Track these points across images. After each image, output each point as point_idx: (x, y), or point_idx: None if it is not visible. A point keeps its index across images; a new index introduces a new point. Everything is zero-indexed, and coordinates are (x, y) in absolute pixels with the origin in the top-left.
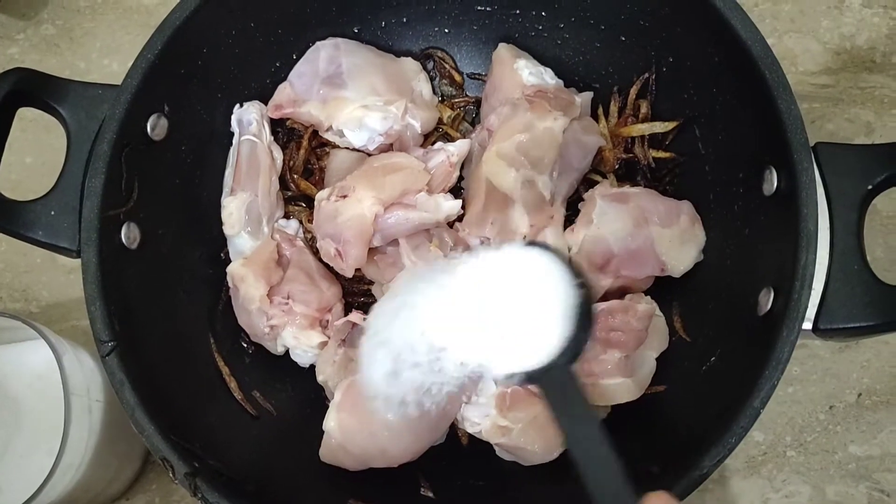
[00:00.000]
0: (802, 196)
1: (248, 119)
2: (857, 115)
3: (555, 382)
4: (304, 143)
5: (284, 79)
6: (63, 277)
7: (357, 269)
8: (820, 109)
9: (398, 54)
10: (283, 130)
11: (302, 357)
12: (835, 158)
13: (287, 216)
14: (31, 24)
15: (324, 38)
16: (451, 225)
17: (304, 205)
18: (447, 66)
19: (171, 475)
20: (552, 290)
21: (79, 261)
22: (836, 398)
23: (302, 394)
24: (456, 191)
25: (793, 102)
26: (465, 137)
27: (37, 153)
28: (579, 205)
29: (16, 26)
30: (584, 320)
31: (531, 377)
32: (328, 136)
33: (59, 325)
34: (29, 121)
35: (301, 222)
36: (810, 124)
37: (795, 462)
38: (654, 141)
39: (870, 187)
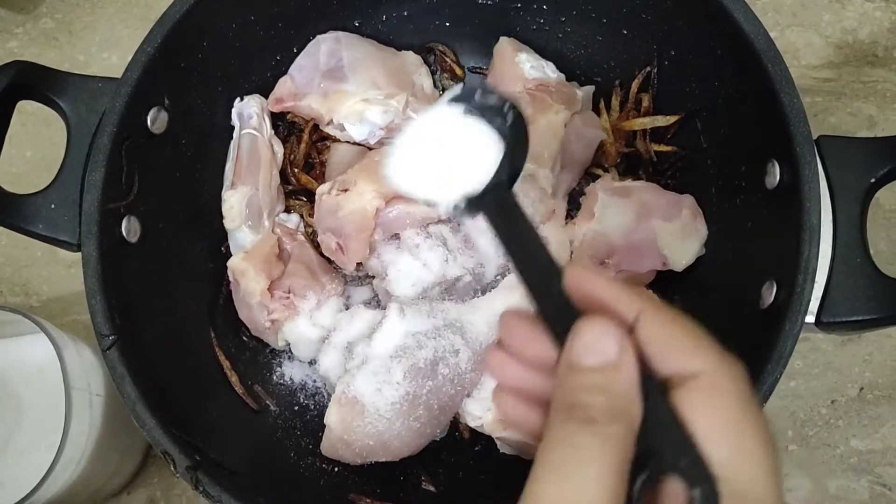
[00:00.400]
0: (805, 189)
1: (249, 113)
2: (860, 109)
3: (496, 205)
4: (305, 136)
5: (285, 72)
6: (63, 271)
7: (358, 264)
8: (822, 103)
9: (399, 48)
10: (284, 124)
11: (303, 352)
12: (838, 151)
13: (288, 210)
14: (30, 18)
15: (324, 32)
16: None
17: (304, 199)
18: (448, 59)
19: (172, 469)
20: (481, 123)
21: (79, 255)
22: (838, 392)
23: (303, 387)
24: None
25: (796, 96)
26: None
27: (37, 147)
28: (581, 199)
29: (15, 20)
30: (517, 140)
31: (473, 204)
32: (329, 130)
33: (59, 320)
34: (29, 114)
35: (302, 216)
36: (813, 118)
37: (797, 456)
38: (656, 135)
39: (873, 180)
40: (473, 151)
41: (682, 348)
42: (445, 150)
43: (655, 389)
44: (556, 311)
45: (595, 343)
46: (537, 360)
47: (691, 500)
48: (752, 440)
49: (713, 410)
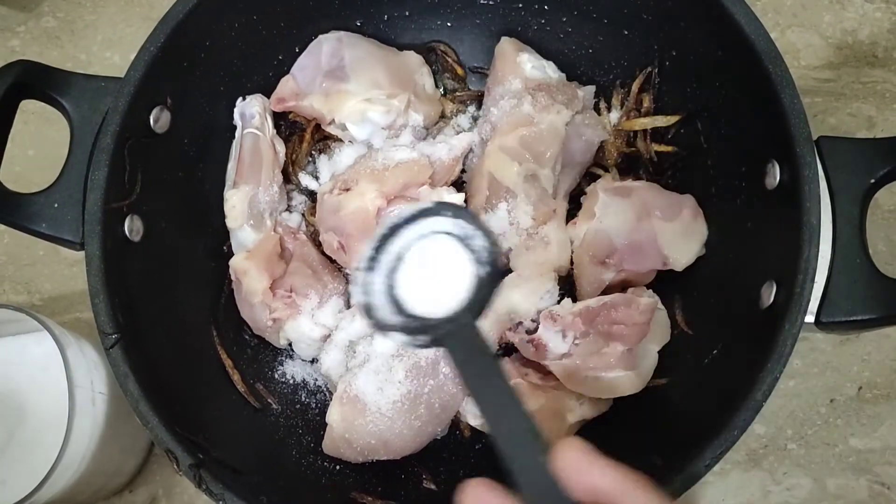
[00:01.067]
0: (805, 190)
1: (251, 112)
2: (859, 110)
3: (461, 340)
4: (307, 136)
5: (287, 72)
6: (66, 270)
7: None
8: (822, 104)
9: (400, 48)
10: (286, 123)
11: (305, 350)
12: (837, 152)
13: (289, 209)
14: (32, 17)
15: (326, 31)
16: None
17: (306, 197)
18: (449, 59)
19: (175, 467)
20: (456, 250)
21: (81, 253)
22: (837, 391)
23: (305, 386)
24: (458, 184)
25: (796, 97)
26: (467, 131)
27: (39, 145)
28: (581, 198)
29: (16, 18)
30: (490, 277)
31: (435, 335)
32: (331, 130)
33: (62, 317)
34: (31, 113)
35: (303, 215)
36: (812, 118)
37: (796, 455)
38: (657, 135)
39: (872, 181)
40: (442, 281)
41: None
42: (414, 269)
43: None
44: (540, 493)
45: None
46: None
47: None
48: None
49: None
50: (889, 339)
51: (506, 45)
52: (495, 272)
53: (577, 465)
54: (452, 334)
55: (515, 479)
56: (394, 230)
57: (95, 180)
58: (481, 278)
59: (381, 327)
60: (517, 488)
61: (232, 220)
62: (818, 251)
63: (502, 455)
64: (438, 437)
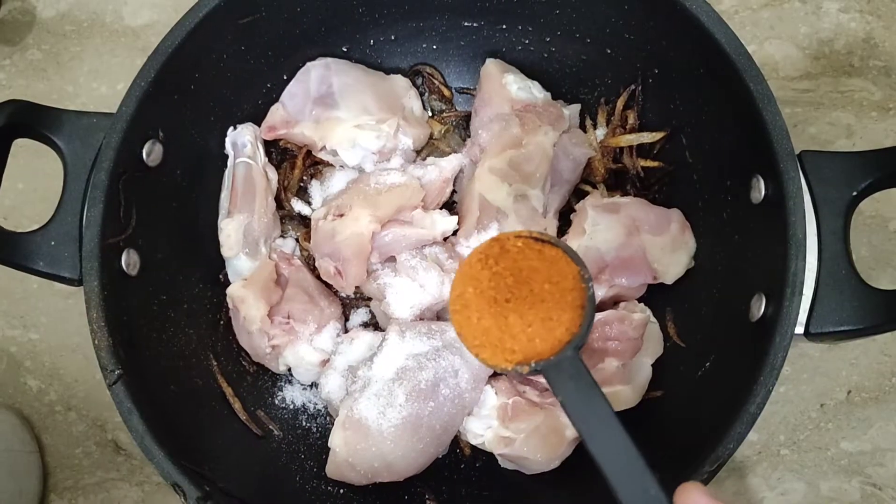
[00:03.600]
0: (790, 205)
1: (243, 141)
2: (838, 119)
3: (563, 374)
4: (299, 162)
5: (276, 99)
6: (61, 302)
7: (356, 287)
8: (802, 114)
9: (387, 71)
10: (277, 150)
11: (304, 375)
12: (820, 166)
13: (283, 235)
14: (17, 50)
15: (314, 59)
16: (445, 239)
17: (298, 223)
18: (436, 81)
19: (182, 500)
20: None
21: (76, 287)
22: (827, 396)
23: (305, 410)
24: (449, 205)
25: (777, 113)
26: (456, 152)
27: (28, 179)
28: (571, 216)
29: (1, 52)
30: (588, 309)
31: (538, 367)
32: (322, 156)
33: (59, 351)
34: (19, 146)
35: (297, 240)
36: (792, 128)
37: (789, 460)
38: (642, 151)
39: (855, 193)
40: None
41: None
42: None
43: None
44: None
45: None
46: None
47: None
48: None
49: None
50: (876, 343)
51: (491, 66)
52: (591, 301)
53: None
54: (554, 365)
55: None
56: None
57: (91, 217)
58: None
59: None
60: None
61: (227, 249)
62: (805, 265)
63: (610, 484)
64: (440, 457)
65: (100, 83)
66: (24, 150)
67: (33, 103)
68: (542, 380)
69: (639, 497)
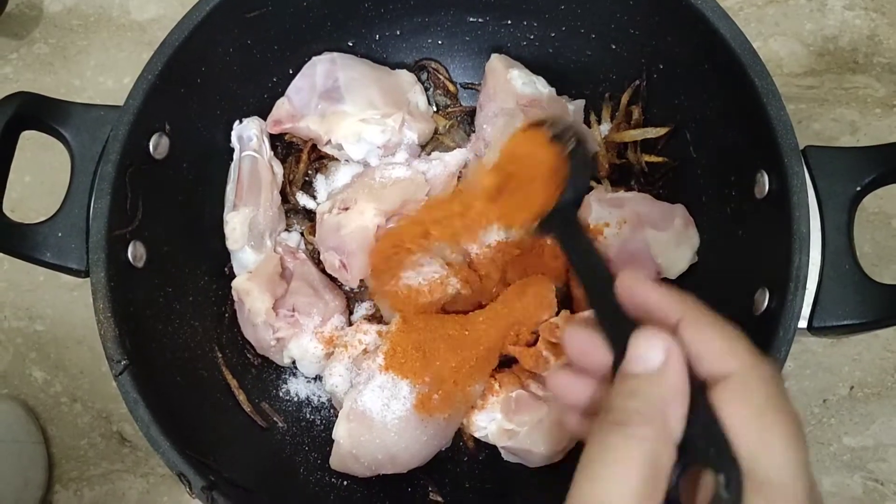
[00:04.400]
0: (794, 199)
1: (249, 135)
2: (842, 115)
3: (563, 224)
4: (304, 156)
5: (282, 94)
6: (67, 294)
7: (360, 280)
8: (806, 110)
9: (393, 66)
10: (282, 144)
11: (308, 368)
12: (824, 161)
13: (288, 229)
14: (24, 44)
15: (319, 53)
16: None
17: (304, 216)
18: (441, 76)
19: (187, 490)
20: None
21: (82, 279)
22: (830, 391)
23: (309, 403)
24: None
25: (782, 108)
26: (460, 147)
27: (35, 172)
28: None
29: (8, 45)
30: (580, 163)
31: (544, 223)
32: (327, 150)
33: (65, 343)
34: (26, 139)
35: (302, 234)
36: (797, 124)
37: None
38: (647, 146)
39: (858, 188)
40: None
41: (717, 351)
42: None
43: (696, 389)
44: (613, 320)
45: (644, 352)
46: (596, 370)
47: (717, 486)
48: (776, 434)
49: (741, 407)
50: (878, 338)
51: (496, 61)
52: (583, 158)
53: (629, 286)
54: (557, 220)
55: (596, 313)
56: None
57: (98, 209)
58: (573, 169)
59: None
60: (598, 321)
61: (233, 242)
62: (808, 259)
63: (588, 299)
64: (443, 450)
65: (106, 77)
66: (31, 142)
67: (41, 95)
68: (546, 374)
69: (603, 298)
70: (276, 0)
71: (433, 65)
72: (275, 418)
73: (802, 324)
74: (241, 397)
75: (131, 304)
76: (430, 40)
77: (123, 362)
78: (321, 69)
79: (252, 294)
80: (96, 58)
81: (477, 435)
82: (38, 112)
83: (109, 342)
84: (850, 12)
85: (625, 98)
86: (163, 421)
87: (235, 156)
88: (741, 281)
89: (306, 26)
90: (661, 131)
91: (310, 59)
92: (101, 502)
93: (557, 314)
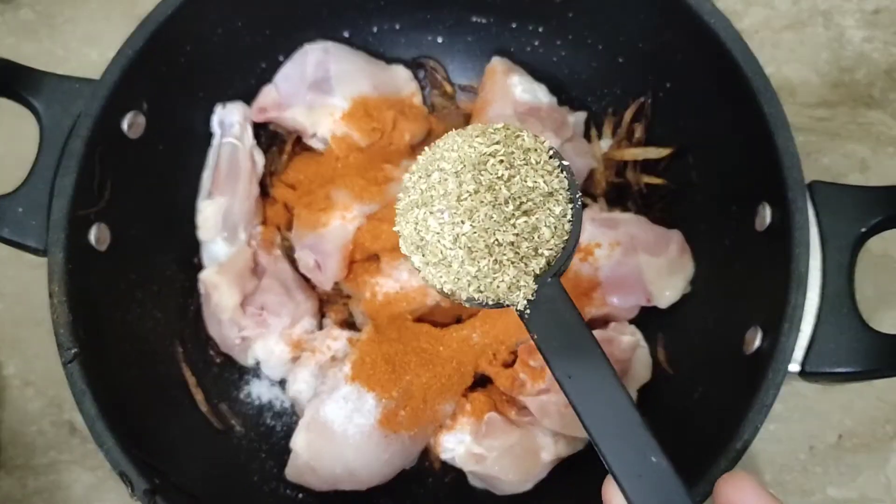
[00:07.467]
0: (795, 236)
1: (230, 121)
2: (854, 151)
3: (539, 307)
4: (287, 148)
5: (270, 80)
6: (28, 273)
7: (335, 283)
8: (816, 143)
9: (389, 61)
10: (266, 133)
11: (273, 371)
12: (830, 198)
13: (265, 223)
14: (10, 8)
15: (313, 40)
16: None
17: (282, 212)
18: (438, 76)
19: (129, 492)
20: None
21: (42, 258)
22: (817, 439)
23: (271, 408)
24: None
25: (790, 139)
26: None
27: (7, 142)
28: None
29: None
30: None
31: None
32: (312, 143)
33: (24, 323)
34: (2, 109)
35: (279, 229)
36: (805, 157)
37: None
38: (647, 166)
39: (864, 229)
40: None
41: None
42: None
43: None
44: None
45: None
46: None
47: None
48: None
49: None
50: (872, 387)
51: (497, 64)
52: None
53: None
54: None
55: (620, 481)
56: None
57: (62, 186)
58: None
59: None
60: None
61: (204, 232)
62: (805, 300)
63: (598, 448)
64: (407, 469)
65: (91, 49)
66: (6, 112)
67: (13, 62)
68: (522, 398)
69: (635, 465)
70: None
71: (431, 63)
72: (232, 421)
73: (795, 368)
74: (199, 396)
75: (90, 289)
76: (430, 37)
77: (74, 350)
78: (312, 58)
79: (220, 288)
80: (83, 28)
81: (443, 457)
82: (8, 79)
83: (62, 328)
84: (870, 45)
85: (628, 114)
86: (110, 415)
87: (215, 141)
88: (734, 317)
89: (302, 12)
90: (664, 152)
91: (302, 46)
92: (46, 492)
93: None
